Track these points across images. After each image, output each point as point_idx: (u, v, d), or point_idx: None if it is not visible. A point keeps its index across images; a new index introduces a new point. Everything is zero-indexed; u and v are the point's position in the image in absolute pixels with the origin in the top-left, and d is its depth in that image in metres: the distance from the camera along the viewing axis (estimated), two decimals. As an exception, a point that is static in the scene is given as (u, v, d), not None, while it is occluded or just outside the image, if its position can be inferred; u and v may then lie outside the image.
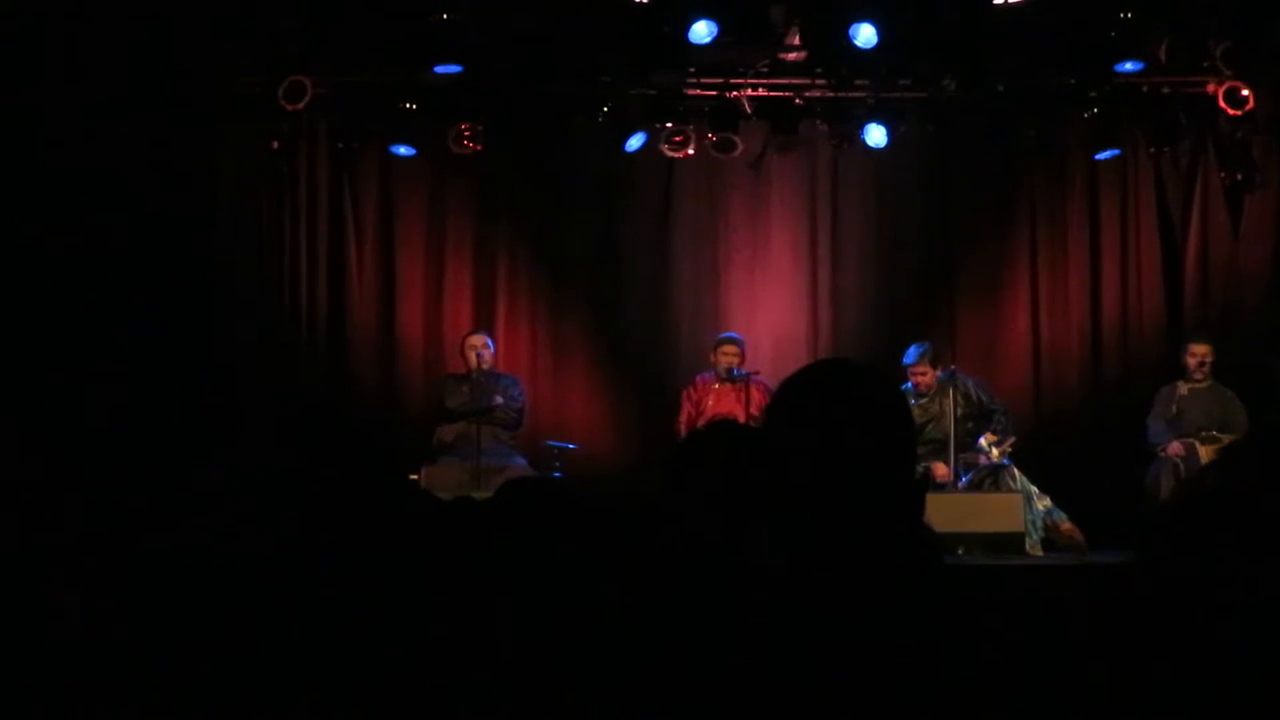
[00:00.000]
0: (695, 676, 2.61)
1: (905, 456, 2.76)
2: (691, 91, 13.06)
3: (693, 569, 3.08)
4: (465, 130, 12.85)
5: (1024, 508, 11.40)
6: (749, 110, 13.05)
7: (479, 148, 12.93)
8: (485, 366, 12.39)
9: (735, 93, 13.00)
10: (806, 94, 13.09)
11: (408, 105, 12.78)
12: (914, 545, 2.61)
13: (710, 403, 12.53)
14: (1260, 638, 1.94)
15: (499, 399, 12.31)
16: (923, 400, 12.12)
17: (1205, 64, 12.68)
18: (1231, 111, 12.69)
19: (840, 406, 2.64)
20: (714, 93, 13.02)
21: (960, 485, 11.82)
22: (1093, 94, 12.88)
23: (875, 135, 13.01)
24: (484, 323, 13.15)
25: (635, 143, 13.04)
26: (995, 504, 11.58)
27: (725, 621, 2.63)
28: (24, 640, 3.27)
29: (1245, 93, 12.61)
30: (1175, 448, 11.92)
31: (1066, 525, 11.62)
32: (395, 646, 3.12)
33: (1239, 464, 1.99)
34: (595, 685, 2.83)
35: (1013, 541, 11.21)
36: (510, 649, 3.01)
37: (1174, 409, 12.19)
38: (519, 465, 12.02)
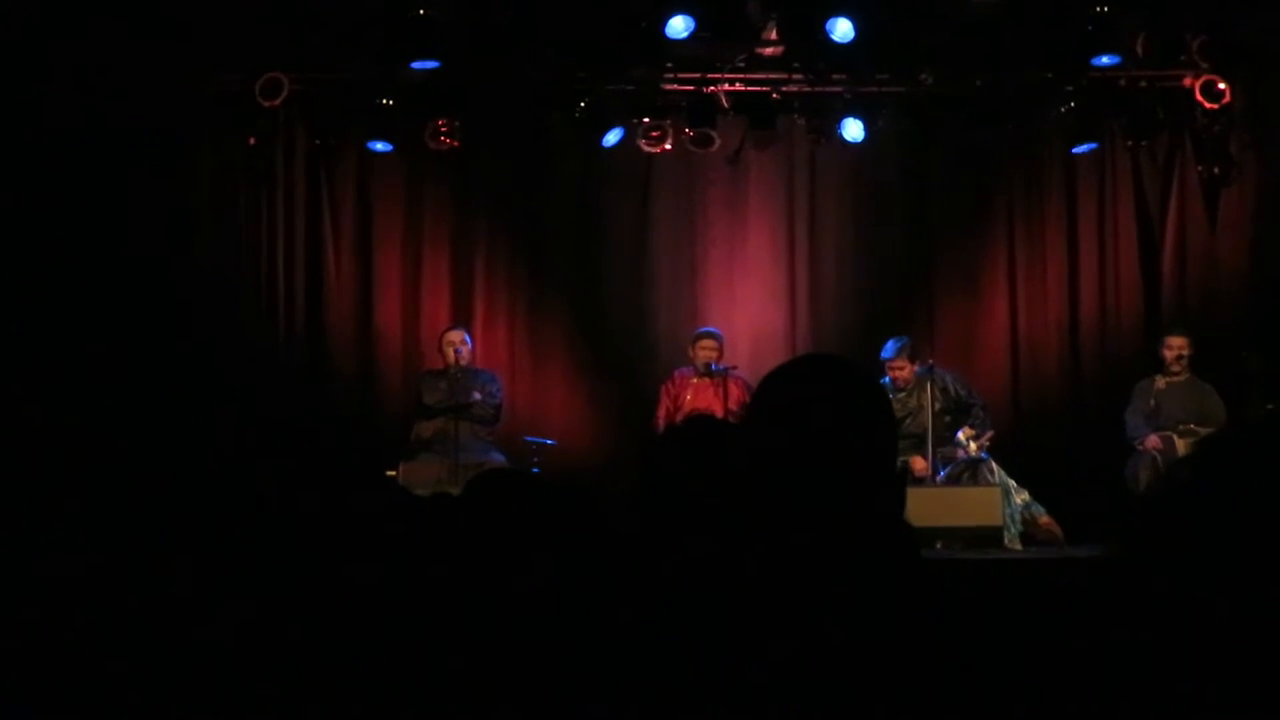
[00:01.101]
0: (670, 668, 2.60)
1: (886, 452, 2.76)
2: (669, 86, 13.06)
3: (670, 563, 3.07)
4: (442, 126, 12.84)
5: (1002, 501, 11.42)
6: (726, 105, 13.06)
7: (456, 143, 12.92)
8: (463, 362, 12.37)
9: (712, 87, 13.00)
10: (784, 88, 13.09)
11: (385, 101, 12.77)
12: (895, 540, 2.61)
13: (688, 397, 12.53)
14: (1235, 633, 1.94)
15: (477, 395, 12.29)
16: (901, 395, 12.13)
17: (1182, 58, 12.72)
18: (1208, 105, 12.72)
19: (822, 402, 2.64)
20: (691, 87, 13.02)
21: (938, 479, 11.83)
22: (1070, 88, 12.91)
23: (852, 129, 13.02)
24: (462, 319, 13.13)
25: (613, 138, 13.04)
26: (973, 498, 11.60)
27: (702, 615, 2.62)
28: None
29: (1222, 86, 12.64)
30: (1153, 441, 11.94)
31: (1045, 519, 11.64)
32: (377, 643, 3.11)
33: (1214, 457, 1.99)
34: (572, 675, 2.83)
35: (991, 535, 11.23)
36: (488, 641, 3.01)
37: (1152, 402, 12.21)
38: (497, 461, 12.01)
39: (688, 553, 3.03)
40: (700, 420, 4.05)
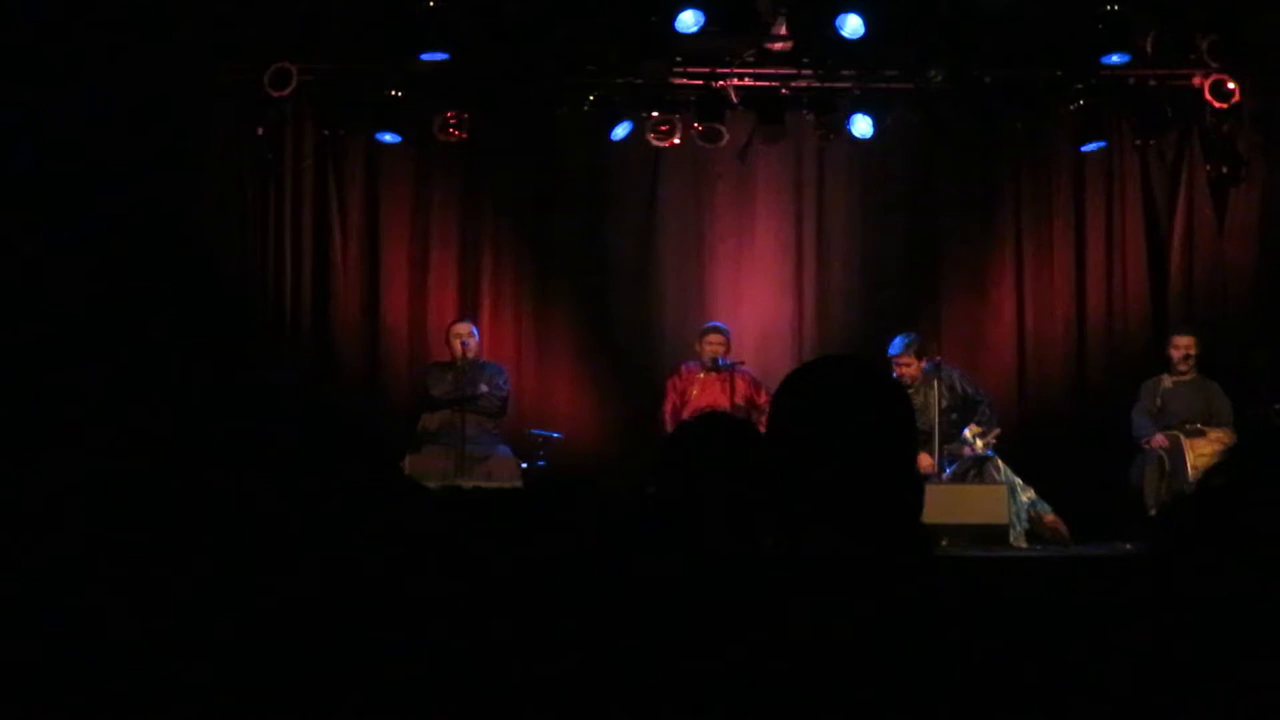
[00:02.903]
0: (688, 667, 2.60)
1: (908, 453, 2.76)
2: (678, 81, 13.04)
3: (686, 559, 3.07)
4: (451, 118, 12.83)
5: (1008, 499, 11.42)
6: (735, 100, 13.05)
7: (465, 136, 12.92)
8: (470, 355, 12.35)
9: (721, 82, 12.98)
10: (793, 84, 13.08)
11: (394, 93, 12.75)
12: (916, 541, 2.61)
13: (695, 392, 12.53)
14: (1263, 637, 1.94)
15: (484, 387, 12.28)
16: (907, 391, 12.11)
17: (1191, 57, 12.72)
18: (1217, 104, 12.72)
19: (846, 403, 2.64)
20: (700, 82, 13.01)
21: (944, 477, 11.83)
22: (1079, 86, 12.90)
23: (861, 126, 13.01)
24: (469, 311, 13.12)
25: (621, 132, 13.05)
26: (979, 495, 11.60)
27: (722, 613, 2.62)
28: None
29: (1231, 85, 12.64)
30: (1159, 440, 11.94)
31: (1050, 517, 11.65)
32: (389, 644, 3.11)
33: (1244, 463, 1.99)
34: (584, 673, 2.83)
35: (997, 533, 11.23)
36: (503, 644, 3.00)
37: (1158, 401, 12.21)
38: (503, 454, 12.02)
39: (701, 547, 3.03)
40: (713, 418, 4.05)
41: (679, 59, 12.89)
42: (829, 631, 2.52)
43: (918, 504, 2.69)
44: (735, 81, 13.02)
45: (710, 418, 4.10)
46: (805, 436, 2.63)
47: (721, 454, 3.32)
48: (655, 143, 13.10)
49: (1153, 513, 11.45)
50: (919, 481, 2.73)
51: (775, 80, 13.06)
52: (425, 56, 12.47)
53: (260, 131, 12.75)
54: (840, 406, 2.64)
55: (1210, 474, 2.06)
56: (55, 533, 3.47)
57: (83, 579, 3.34)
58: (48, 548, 3.39)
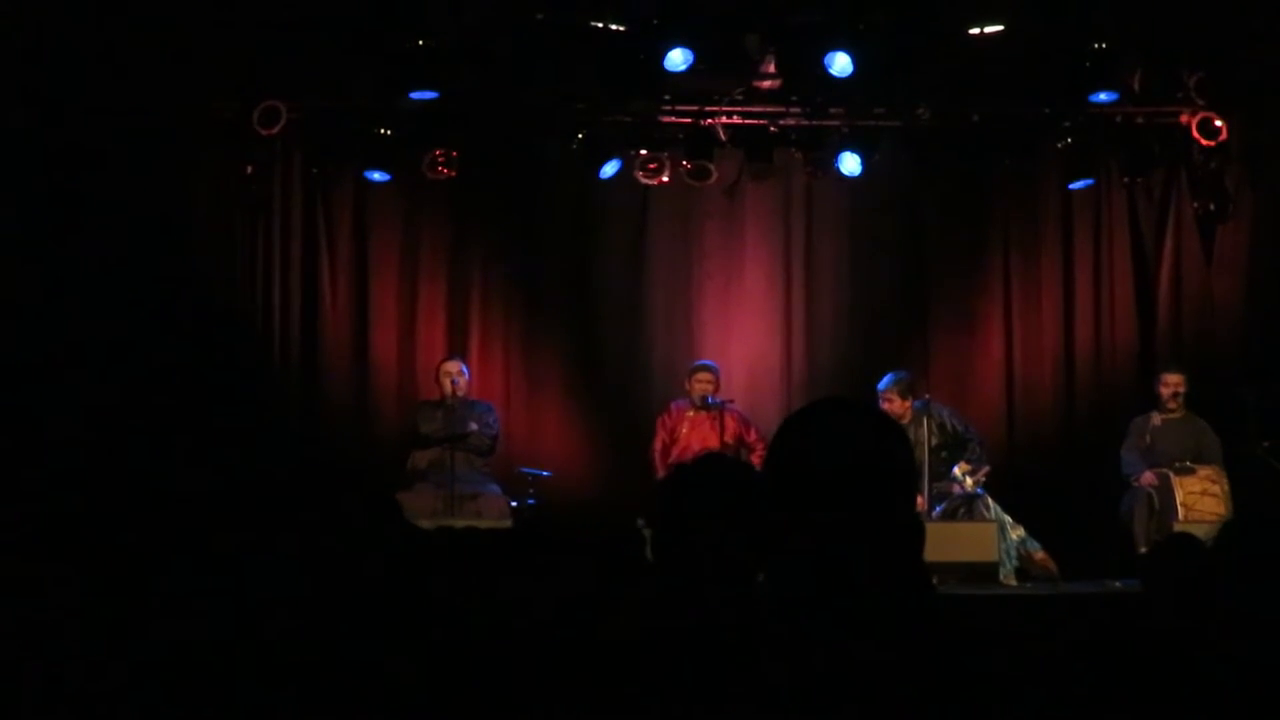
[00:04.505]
0: (694, 712, 2.59)
1: (908, 495, 2.75)
2: (666, 119, 13.07)
3: (689, 602, 3.06)
4: (440, 156, 12.83)
5: (998, 537, 11.41)
6: (724, 138, 13.07)
7: (453, 174, 12.91)
8: (460, 393, 12.33)
9: (710, 120, 13.01)
10: (781, 122, 13.10)
11: (382, 131, 12.76)
12: (917, 583, 2.60)
13: (684, 430, 12.51)
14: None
15: (474, 426, 12.25)
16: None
17: (1179, 95, 12.78)
18: (1204, 142, 12.76)
19: (846, 445, 2.63)
20: (689, 120, 13.03)
21: (934, 515, 11.82)
22: (1067, 124, 12.94)
23: (849, 163, 13.02)
24: (458, 349, 13.10)
25: (610, 170, 13.04)
26: (969, 533, 11.60)
27: (724, 655, 2.61)
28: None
29: (1218, 123, 12.69)
30: (1148, 478, 11.94)
31: (1040, 555, 11.65)
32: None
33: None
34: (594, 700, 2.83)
35: (987, 571, 11.22)
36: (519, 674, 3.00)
37: (1147, 439, 12.22)
38: (493, 492, 12.00)
39: (705, 594, 3.02)
40: (710, 459, 4.04)
41: (668, 97, 12.93)
42: (830, 672, 2.51)
43: (918, 545, 2.68)
44: (724, 119, 13.05)
45: (708, 459, 4.10)
46: (805, 478, 2.62)
47: (719, 496, 3.31)
48: (644, 180, 13.11)
49: (1142, 550, 11.46)
50: (919, 523, 2.72)
51: (764, 118, 13.09)
52: (414, 95, 12.48)
53: (249, 169, 12.73)
54: (840, 448, 2.63)
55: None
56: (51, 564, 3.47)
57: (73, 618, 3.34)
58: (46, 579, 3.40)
